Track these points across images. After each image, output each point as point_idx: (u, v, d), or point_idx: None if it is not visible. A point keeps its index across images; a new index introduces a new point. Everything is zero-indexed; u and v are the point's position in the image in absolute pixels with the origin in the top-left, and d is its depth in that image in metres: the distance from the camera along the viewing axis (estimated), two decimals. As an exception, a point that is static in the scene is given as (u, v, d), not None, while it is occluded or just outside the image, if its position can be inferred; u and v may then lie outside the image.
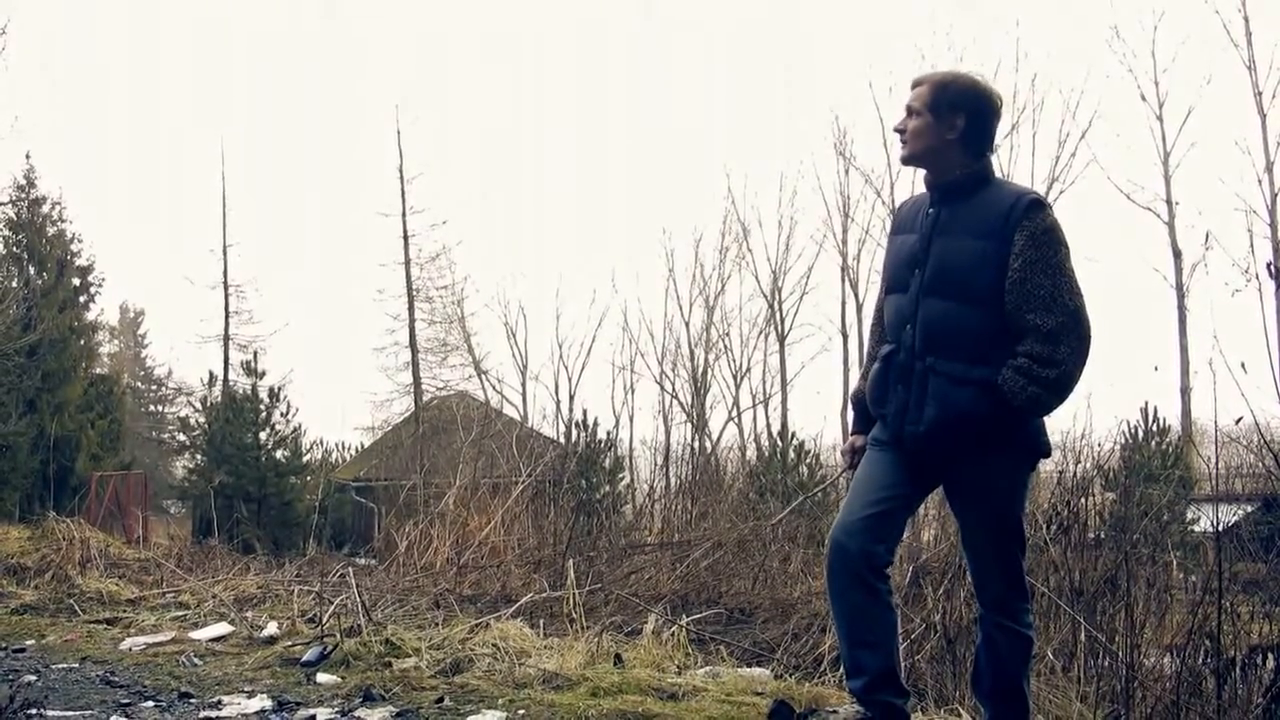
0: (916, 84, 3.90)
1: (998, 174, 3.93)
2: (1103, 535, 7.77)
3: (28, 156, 27.24)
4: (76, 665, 6.44)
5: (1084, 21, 54.15)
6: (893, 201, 32.34)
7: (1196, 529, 11.74)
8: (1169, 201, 30.67)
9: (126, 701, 5.38)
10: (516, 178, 71.42)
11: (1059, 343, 3.56)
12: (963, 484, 3.84)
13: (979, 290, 3.68)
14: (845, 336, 36.66)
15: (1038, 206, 3.67)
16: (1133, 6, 53.64)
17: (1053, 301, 3.57)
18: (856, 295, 36.30)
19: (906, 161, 3.93)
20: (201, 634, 7.28)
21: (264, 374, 27.54)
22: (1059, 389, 3.58)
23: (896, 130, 3.94)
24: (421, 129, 60.47)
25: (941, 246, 3.78)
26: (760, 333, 40.93)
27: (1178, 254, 30.41)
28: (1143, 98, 30.98)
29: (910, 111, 3.87)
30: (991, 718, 3.92)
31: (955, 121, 3.78)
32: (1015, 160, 32.59)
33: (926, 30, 61.72)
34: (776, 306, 39.68)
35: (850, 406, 4.31)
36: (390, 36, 70.91)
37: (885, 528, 3.80)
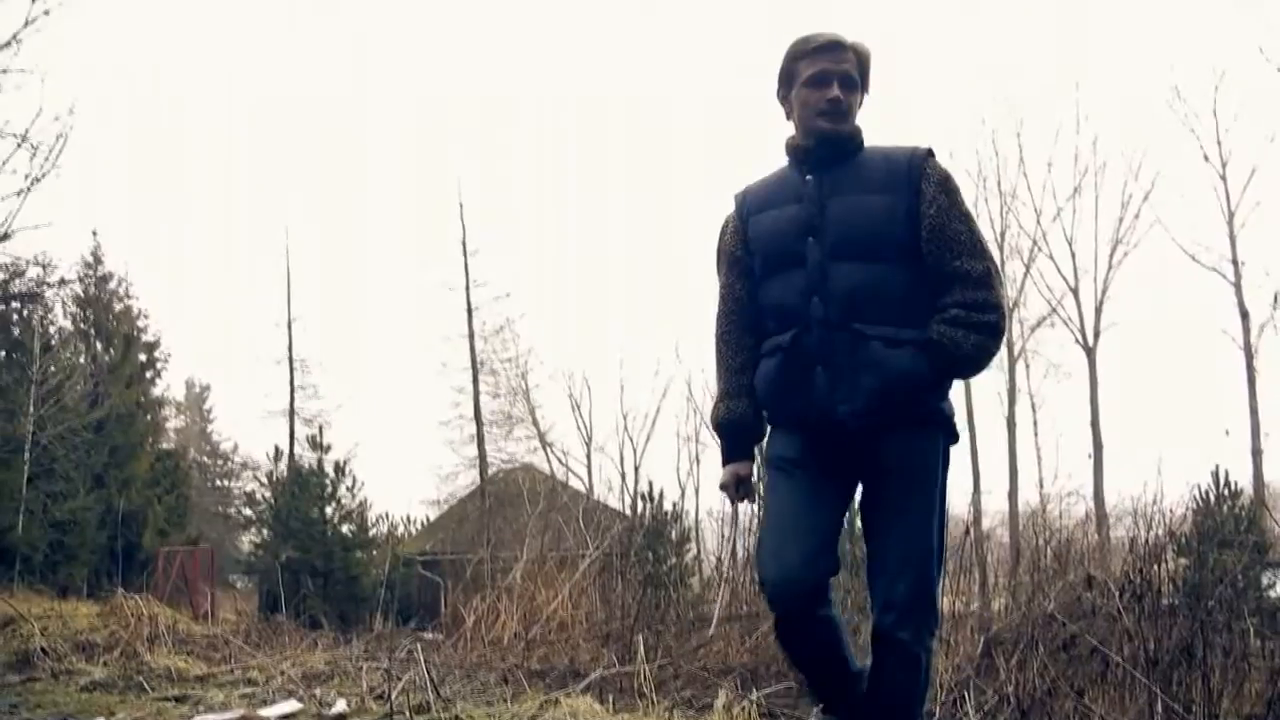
0: (836, 45, 3.59)
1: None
2: (1177, 602, 7.65)
3: (94, 233, 27.88)
4: (149, 743, 6.49)
5: (1144, 83, 53.88)
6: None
7: (1272, 594, 11.52)
8: (1235, 261, 30.37)
9: (200, 780, 5.42)
10: (579, 248, 72.00)
11: (991, 286, 3.42)
12: (884, 469, 3.51)
13: (892, 246, 3.46)
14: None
15: (933, 155, 3.54)
16: (1193, 67, 53.38)
17: (975, 246, 3.45)
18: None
19: (839, 137, 3.59)
20: (271, 711, 7.30)
21: (329, 448, 27.72)
22: (999, 333, 3.42)
23: (831, 100, 3.55)
24: (484, 201, 60.89)
25: (841, 207, 3.50)
26: (823, 398, 40.69)
27: (1245, 314, 30.06)
28: (1205, 158, 30.80)
29: (850, 83, 3.59)
30: None
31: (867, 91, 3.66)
32: (1078, 223, 32.55)
33: (986, 95, 61.35)
34: (839, 372, 39.42)
35: (716, 434, 3.88)
36: (452, 109, 71.96)
37: (825, 562, 3.55)
